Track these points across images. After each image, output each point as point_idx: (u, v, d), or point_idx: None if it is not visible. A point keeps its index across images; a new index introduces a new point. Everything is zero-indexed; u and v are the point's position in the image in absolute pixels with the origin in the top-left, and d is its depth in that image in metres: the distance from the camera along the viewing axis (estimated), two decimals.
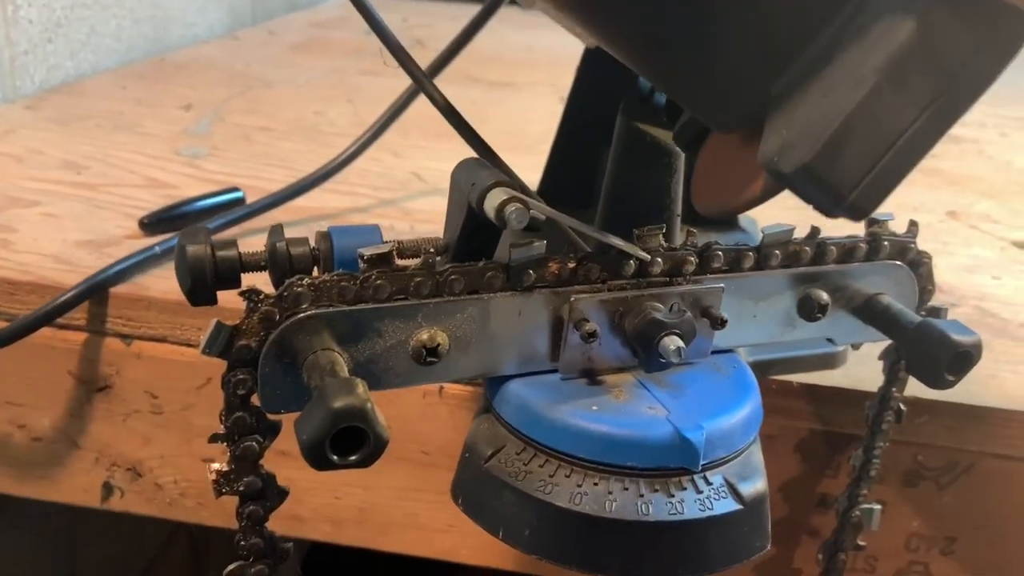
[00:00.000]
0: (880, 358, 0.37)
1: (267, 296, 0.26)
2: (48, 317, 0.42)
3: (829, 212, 0.23)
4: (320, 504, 0.47)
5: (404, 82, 1.05)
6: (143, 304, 0.45)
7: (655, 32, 0.24)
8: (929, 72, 0.22)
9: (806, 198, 0.23)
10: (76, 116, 0.74)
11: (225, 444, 0.28)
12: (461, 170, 0.31)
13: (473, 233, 0.31)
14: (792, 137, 0.22)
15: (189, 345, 0.45)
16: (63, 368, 0.46)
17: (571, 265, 0.30)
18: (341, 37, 1.19)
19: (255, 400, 0.27)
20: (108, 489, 0.48)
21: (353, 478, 0.46)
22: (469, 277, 0.29)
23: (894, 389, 0.37)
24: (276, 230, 0.29)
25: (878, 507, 0.39)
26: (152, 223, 0.51)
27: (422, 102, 0.56)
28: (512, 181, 0.29)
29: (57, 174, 0.61)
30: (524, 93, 0.96)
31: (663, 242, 0.30)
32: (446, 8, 1.44)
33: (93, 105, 0.78)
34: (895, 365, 0.36)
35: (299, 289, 0.27)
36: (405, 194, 0.63)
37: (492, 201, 0.28)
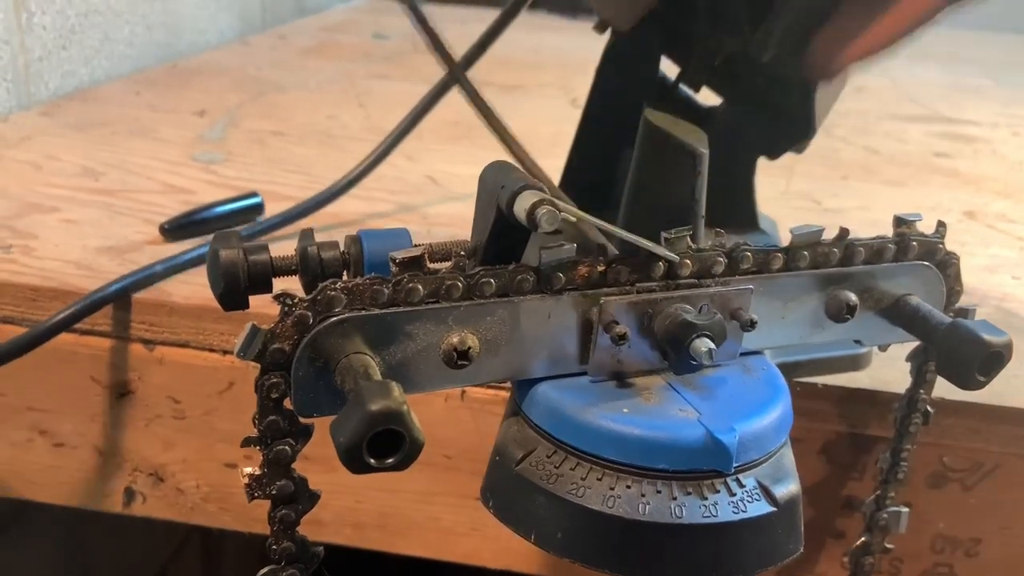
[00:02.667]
0: (908, 360, 0.37)
1: (301, 300, 0.26)
2: (75, 318, 0.43)
3: None
4: (342, 508, 0.47)
5: (412, 85, 1.05)
6: (165, 309, 0.45)
7: None
8: None
9: None
10: (92, 122, 0.74)
11: (257, 448, 0.28)
12: (489, 172, 0.31)
13: (502, 235, 0.31)
14: None
15: (211, 350, 0.45)
16: (86, 373, 0.46)
17: (600, 268, 0.30)
18: (350, 41, 1.19)
19: (288, 404, 0.27)
20: (130, 494, 0.48)
21: (375, 482, 0.46)
22: (500, 280, 0.29)
23: (922, 391, 0.36)
24: (306, 234, 0.29)
25: (905, 509, 0.39)
26: (173, 228, 0.51)
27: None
28: (541, 183, 0.29)
29: (75, 180, 0.61)
30: (534, 96, 0.96)
31: (691, 244, 0.30)
32: (453, 12, 1.44)
33: (108, 111, 0.78)
34: (923, 366, 0.36)
35: (332, 293, 0.27)
36: (421, 198, 0.63)
37: (523, 203, 0.28)
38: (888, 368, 0.41)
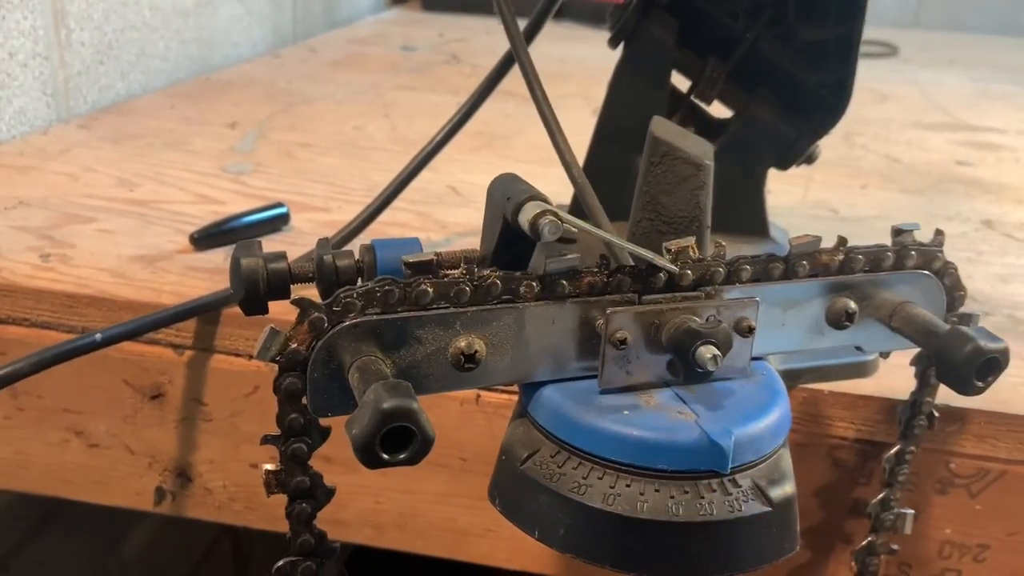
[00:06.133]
0: (912, 363, 0.37)
1: (317, 304, 0.28)
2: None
3: None
4: (362, 509, 0.49)
5: (438, 96, 1.06)
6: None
7: None
8: None
9: None
10: (127, 135, 0.77)
11: (275, 445, 0.30)
12: (496, 184, 0.32)
13: (508, 245, 0.32)
14: None
15: (237, 355, 0.47)
16: (119, 377, 0.48)
17: (603, 277, 0.31)
18: (377, 53, 1.21)
19: (305, 403, 0.29)
20: (160, 493, 0.50)
21: (394, 483, 0.48)
22: (505, 286, 0.30)
23: (927, 395, 0.37)
24: (323, 243, 0.31)
25: (911, 511, 0.39)
26: (202, 238, 0.53)
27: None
28: (544, 195, 0.31)
29: (111, 191, 0.63)
30: (557, 106, 0.97)
31: (692, 254, 0.32)
32: (481, 22, 1.47)
33: (143, 124, 0.81)
34: (926, 370, 0.37)
35: (347, 298, 0.28)
36: (442, 207, 0.64)
37: (526, 214, 0.30)
38: (893, 375, 0.42)
